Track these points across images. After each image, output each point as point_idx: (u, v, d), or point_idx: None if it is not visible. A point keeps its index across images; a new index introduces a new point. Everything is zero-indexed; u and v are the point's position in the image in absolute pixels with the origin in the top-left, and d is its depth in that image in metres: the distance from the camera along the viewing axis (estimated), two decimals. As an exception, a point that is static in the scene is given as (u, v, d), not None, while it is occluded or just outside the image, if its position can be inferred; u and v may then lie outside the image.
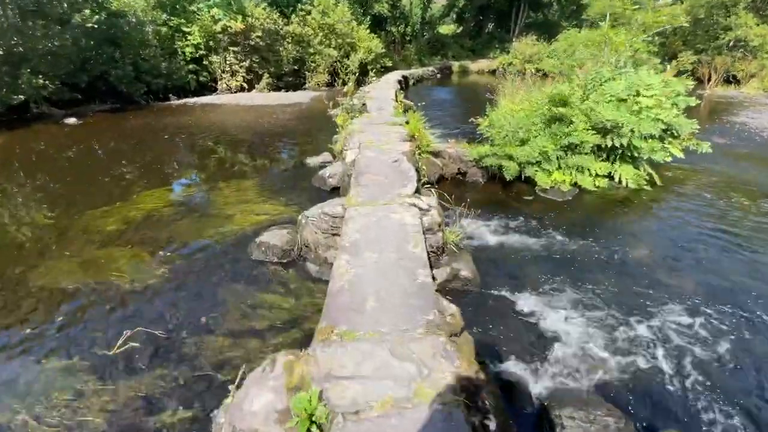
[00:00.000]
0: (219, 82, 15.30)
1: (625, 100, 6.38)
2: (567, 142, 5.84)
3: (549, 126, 6.25)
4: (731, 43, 24.10)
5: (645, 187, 6.20)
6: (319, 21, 17.02)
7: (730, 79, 22.84)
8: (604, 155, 6.33)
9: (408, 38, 26.63)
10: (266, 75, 15.45)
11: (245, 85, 15.50)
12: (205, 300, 3.23)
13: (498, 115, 6.65)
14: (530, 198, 5.88)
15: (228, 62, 14.92)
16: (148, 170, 6.59)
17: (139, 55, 13.25)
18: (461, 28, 32.53)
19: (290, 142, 8.60)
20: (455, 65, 28.12)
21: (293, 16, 16.23)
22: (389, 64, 21.08)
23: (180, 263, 3.75)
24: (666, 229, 5.11)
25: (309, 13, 16.94)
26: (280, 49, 15.85)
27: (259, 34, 14.17)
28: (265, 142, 8.55)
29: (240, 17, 13.60)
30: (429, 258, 2.79)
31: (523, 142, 6.21)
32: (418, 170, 5.46)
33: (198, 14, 14.09)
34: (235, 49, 14.64)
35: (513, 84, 8.68)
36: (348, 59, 18.47)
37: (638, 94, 6.37)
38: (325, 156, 6.95)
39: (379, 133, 6.37)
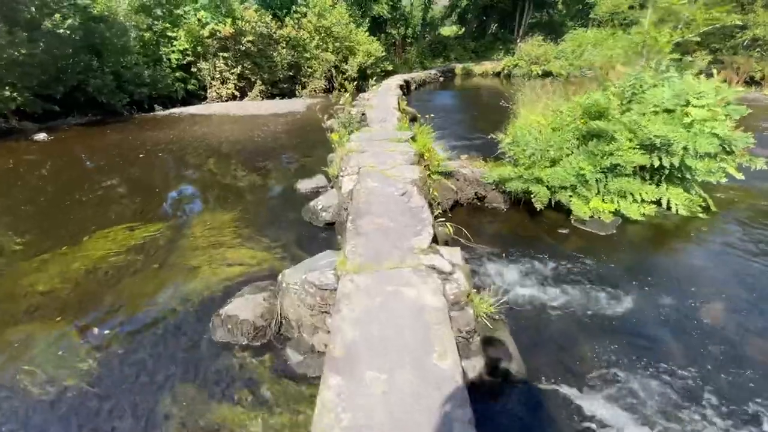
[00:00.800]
0: (209, 90, 14.42)
1: (672, 111, 5.44)
2: (609, 163, 4.89)
3: (584, 143, 5.30)
4: (746, 42, 23.19)
5: (699, 214, 5.24)
6: (315, 24, 16.17)
7: (748, 81, 21.90)
8: (647, 176, 5.39)
9: (409, 40, 25.83)
10: (259, 82, 14.57)
11: (237, 93, 14.62)
12: (139, 419, 2.28)
13: (521, 129, 5.70)
14: (565, 231, 4.92)
15: (218, 69, 14.06)
16: (109, 201, 5.66)
17: (121, 63, 12.39)
18: (463, 30, 31.72)
19: (280, 161, 7.67)
20: (458, 68, 27.26)
21: (287, 18, 15.38)
22: (390, 68, 20.22)
23: (117, 349, 2.80)
24: (738, 271, 4.14)
25: (304, 15, 16.09)
26: (274, 54, 14.99)
27: (250, 38, 13.30)
28: (252, 161, 7.62)
29: (229, 21, 12.74)
30: (464, 375, 1.83)
31: (553, 162, 5.27)
32: (431, 204, 4.51)
33: (185, 18, 13.24)
34: (225, 54, 13.78)
35: (532, 91, 7.71)
36: (346, 64, 17.61)
37: (688, 104, 5.42)
38: (319, 179, 6.02)
39: (381, 153, 5.44)
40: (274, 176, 6.76)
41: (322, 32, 16.63)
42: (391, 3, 21.63)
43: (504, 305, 3.42)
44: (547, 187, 5.08)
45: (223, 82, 14.43)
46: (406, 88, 17.60)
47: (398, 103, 10.85)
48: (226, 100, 14.61)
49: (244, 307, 2.91)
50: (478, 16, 30.33)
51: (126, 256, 4.02)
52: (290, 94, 16.60)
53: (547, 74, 24.83)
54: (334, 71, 17.58)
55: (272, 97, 15.56)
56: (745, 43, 23.60)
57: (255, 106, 13.70)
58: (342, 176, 4.82)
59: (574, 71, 25.49)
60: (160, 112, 12.96)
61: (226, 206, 5.36)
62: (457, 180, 5.81)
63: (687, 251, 4.61)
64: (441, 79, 24.71)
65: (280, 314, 2.87)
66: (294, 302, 2.76)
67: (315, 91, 17.11)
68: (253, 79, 14.75)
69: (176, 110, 13.11)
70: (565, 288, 3.72)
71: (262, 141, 9.07)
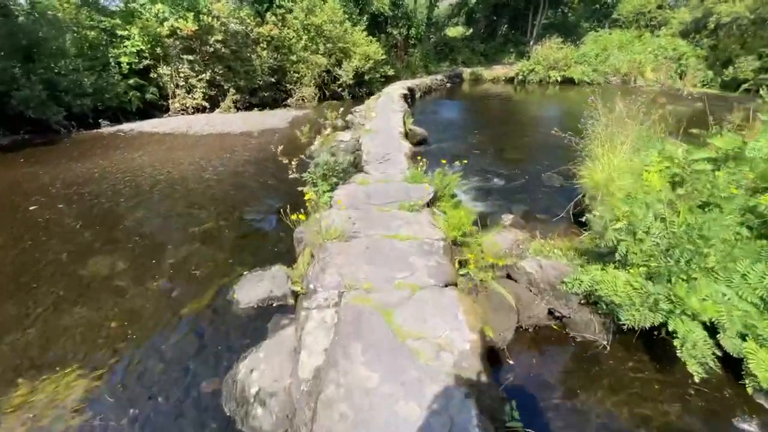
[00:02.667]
0: (171, 101, 12.03)
1: None
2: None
3: (763, 235, 2.93)
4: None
5: None
6: (303, 21, 13.84)
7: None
8: None
9: (412, 42, 23.54)
10: (232, 91, 12.20)
11: (206, 103, 12.24)
12: None
13: (634, 201, 3.30)
14: (749, 417, 2.53)
15: (182, 75, 11.68)
16: None
17: (54, 69, 10.01)
18: (471, 30, 29.49)
19: (227, 225, 5.26)
20: (466, 72, 24.98)
21: (268, 14, 13.03)
22: (391, 72, 17.90)
23: None
24: None
25: (290, 11, 13.76)
26: (252, 56, 12.64)
27: (220, 37, 10.94)
28: (183, 227, 5.18)
29: (191, 16, 10.38)
30: None
31: (709, 271, 2.89)
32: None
33: (141, 13, 10.88)
34: (191, 57, 11.41)
35: (612, 114, 5.32)
36: (340, 68, 15.26)
37: None
38: (276, 280, 3.58)
39: (382, 246, 3.06)
40: (199, 265, 4.28)
41: (312, 31, 14.30)
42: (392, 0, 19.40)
43: None
44: (701, 321, 2.70)
45: (189, 90, 12.05)
46: (410, 97, 15.27)
47: (404, 123, 8.49)
48: (193, 112, 12.23)
49: None
50: (488, 16, 28.10)
51: None
52: (274, 104, 14.23)
53: (566, 81, 22.61)
54: (326, 77, 15.24)
55: (250, 107, 13.18)
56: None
57: (226, 120, 11.32)
58: (306, 314, 2.42)
59: (598, 78, 23.26)
60: (107, 129, 10.57)
61: (87, 359, 2.93)
62: (516, 281, 3.45)
63: None
64: (448, 85, 22.42)
65: None
66: None
67: (303, 100, 14.75)
68: (226, 87, 12.37)
69: (127, 126, 10.71)
70: None
71: (216, 182, 6.66)
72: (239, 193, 6.22)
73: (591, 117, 5.44)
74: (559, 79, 22.36)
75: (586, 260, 3.48)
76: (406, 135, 8.10)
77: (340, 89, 15.90)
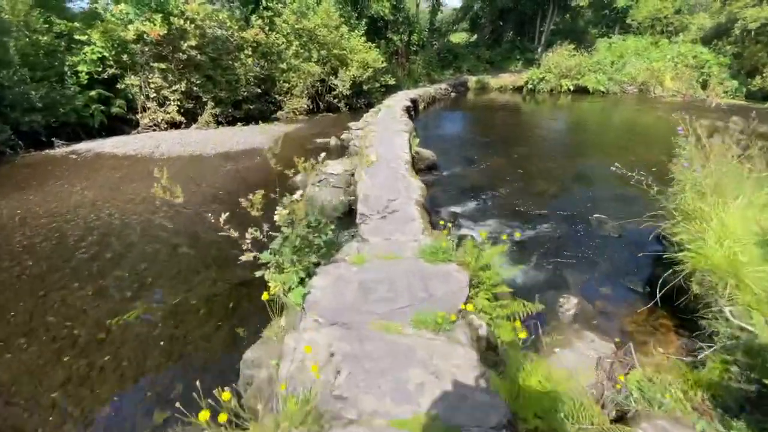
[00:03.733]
0: (141, 115, 10.57)
1: None
2: None
3: None
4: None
5: None
6: (294, 25, 12.46)
7: None
8: None
9: (414, 48, 22.25)
10: (211, 104, 10.76)
11: (181, 118, 10.78)
12: None
13: None
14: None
15: (152, 85, 10.24)
16: None
17: (-5, 80, 8.58)
18: (476, 36, 28.26)
19: (185, 290, 3.77)
20: (472, 81, 23.67)
21: (253, 17, 11.64)
22: (392, 82, 16.52)
23: None
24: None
25: (278, 14, 12.38)
26: (235, 64, 11.22)
27: (193, 42, 9.51)
28: (120, 303, 3.70)
29: (158, 18, 8.96)
30: None
31: None
32: None
33: (102, 15, 9.47)
34: (162, 65, 9.97)
35: (705, 147, 3.82)
36: (336, 78, 13.86)
37: None
38: (255, 365, 2.04)
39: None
40: (145, 372, 2.81)
41: (304, 36, 12.92)
42: (393, 2, 18.07)
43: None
44: None
45: (162, 103, 10.60)
46: (413, 109, 13.86)
47: (410, 147, 7.03)
48: (167, 128, 10.78)
49: None
50: (493, 21, 26.88)
51: None
52: (261, 118, 12.81)
53: (579, 90, 21.29)
54: (320, 87, 13.83)
55: (234, 122, 11.74)
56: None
57: (202, 138, 9.85)
58: None
59: (614, 87, 21.92)
60: (61, 149, 9.09)
61: None
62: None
63: None
64: (453, 94, 21.08)
65: None
66: None
67: (295, 112, 13.34)
68: (204, 99, 10.93)
69: (84, 146, 9.23)
70: None
71: (167, 236, 5.15)
72: (193, 255, 4.71)
73: (679, 149, 3.94)
74: (571, 88, 21.03)
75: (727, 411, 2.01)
76: (413, 163, 6.64)
77: (335, 100, 14.50)
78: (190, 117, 11.24)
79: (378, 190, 4.45)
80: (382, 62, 15.48)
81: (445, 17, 27.31)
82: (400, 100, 13.73)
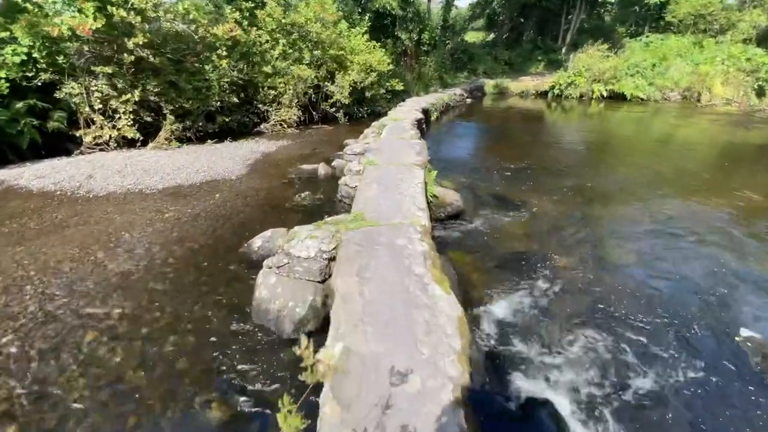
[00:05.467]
0: (85, 131, 8.53)
1: None
2: None
3: None
4: None
5: None
6: (280, 19, 10.37)
7: None
8: None
9: (424, 48, 20.08)
10: (171, 118, 8.69)
11: (136, 134, 8.71)
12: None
13: None
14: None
15: (96, 94, 8.19)
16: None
17: None
18: (493, 35, 26.03)
19: None
20: (489, 84, 21.48)
21: (228, 9, 9.54)
22: (399, 87, 14.37)
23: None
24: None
25: (261, 5, 10.29)
26: (206, 67, 9.14)
27: (140, 40, 7.42)
28: None
29: (90, 7, 6.89)
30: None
31: None
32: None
33: (26, 6, 7.42)
34: (108, 69, 7.91)
35: None
36: (332, 83, 11.75)
37: None
38: None
39: None
40: None
41: (294, 34, 10.82)
42: (402, -5, 15.98)
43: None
44: None
45: (111, 116, 8.55)
46: (425, 121, 11.71)
47: (425, 193, 4.85)
48: (117, 147, 8.73)
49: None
50: (512, 18, 24.62)
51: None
52: (243, 131, 10.77)
53: (613, 96, 18.94)
54: (313, 94, 11.73)
55: (204, 138, 9.68)
56: None
57: (153, 163, 7.77)
58: None
59: (655, 93, 19.52)
60: (-33, 179, 7.05)
61: None
62: None
63: None
64: (468, 100, 18.90)
65: None
66: None
67: (283, 124, 11.26)
68: (166, 111, 8.86)
69: (-3, 174, 7.19)
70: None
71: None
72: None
73: None
74: (604, 94, 18.72)
75: None
76: (431, 208, 4.46)
77: (332, 109, 12.39)
78: (152, 132, 9.19)
79: (372, 339, 2.25)
80: (389, 64, 13.34)
81: (460, 14, 25.12)
82: (408, 110, 11.58)
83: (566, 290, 4.04)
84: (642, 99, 17.99)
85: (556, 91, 19.53)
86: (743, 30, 19.65)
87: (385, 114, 12.37)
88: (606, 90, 18.45)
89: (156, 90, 8.60)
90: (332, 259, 3.28)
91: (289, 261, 3.31)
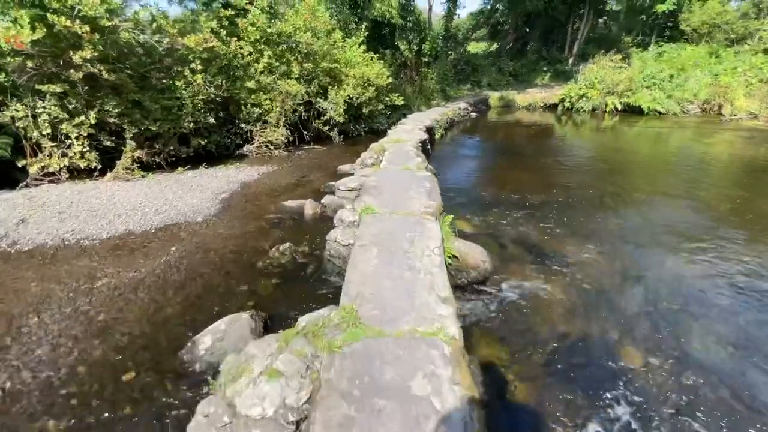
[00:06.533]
0: (30, 161, 7.26)
1: None
2: None
3: None
4: None
5: None
6: (265, 29, 9.21)
7: None
8: None
9: (425, 59, 19.04)
10: (132, 143, 7.46)
11: (91, 162, 7.46)
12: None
13: None
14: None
15: (43, 117, 6.95)
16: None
17: None
18: (496, 45, 25.10)
19: None
20: (494, 97, 20.42)
21: (202, 17, 8.37)
22: (400, 101, 13.22)
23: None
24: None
25: (243, 13, 9.14)
26: (177, 83, 7.94)
27: (89, 54, 6.20)
28: None
29: (25, 16, 5.69)
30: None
31: None
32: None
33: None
34: (58, 88, 6.68)
35: None
36: (325, 99, 10.58)
37: None
38: None
39: None
40: None
41: (281, 45, 9.67)
42: (401, 2, 14.90)
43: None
44: None
45: (62, 143, 7.30)
46: (429, 141, 10.52)
47: (445, 266, 3.56)
48: (70, 178, 7.47)
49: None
50: (517, 28, 23.69)
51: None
52: (224, 154, 9.56)
53: (627, 110, 17.86)
54: (303, 112, 10.54)
55: (175, 164, 8.45)
56: None
57: (105, 200, 6.50)
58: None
59: (674, 107, 18.45)
60: None
61: None
62: None
63: None
64: (473, 114, 17.80)
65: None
66: None
67: (269, 146, 10.04)
68: (129, 135, 7.61)
69: None
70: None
71: None
72: None
73: None
74: (619, 107, 17.64)
75: None
76: (449, 271, 3.18)
77: (326, 128, 11.19)
78: (117, 157, 7.92)
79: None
80: (388, 77, 12.19)
81: (462, 23, 24.21)
82: (411, 129, 10.40)
83: (657, 415, 2.75)
84: (660, 113, 16.90)
85: (567, 104, 18.45)
86: (765, 39, 18.69)
87: (385, 132, 11.20)
88: (620, 103, 17.37)
89: (116, 111, 7.36)
90: (303, 420, 1.98)
91: (233, 422, 2.00)
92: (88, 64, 6.38)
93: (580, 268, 4.76)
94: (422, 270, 3.16)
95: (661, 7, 24.23)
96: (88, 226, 5.58)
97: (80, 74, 6.44)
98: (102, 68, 6.59)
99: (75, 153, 7.29)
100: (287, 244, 5.01)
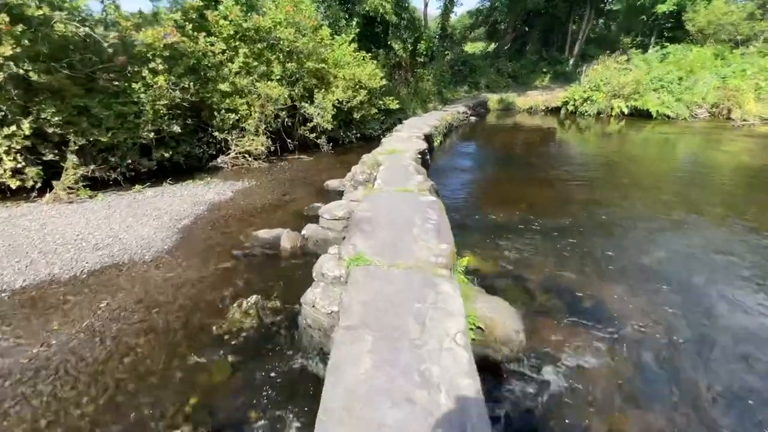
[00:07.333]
0: (-49, 178, 6.01)
1: None
2: None
3: None
4: None
5: None
6: (240, 22, 8.06)
7: None
8: None
9: (421, 59, 17.98)
10: (74, 159, 6.26)
11: (28, 181, 6.23)
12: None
13: None
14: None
15: (-37, 127, 5.71)
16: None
17: None
18: (494, 45, 24.16)
19: None
20: (492, 99, 19.45)
21: (161, 8, 7.19)
22: (395, 105, 12.14)
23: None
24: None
25: (213, 4, 7.98)
26: (134, 86, 6.75)
27: (9, 50, 4.99)
28: None
29: None
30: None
31: None
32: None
33: None
34: (-23, 92, 5.45)
35: None
36: (311, 104, 9.45)
37: None
38: None
39: None
40: None
41: (260, 42, 8.52)
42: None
43: None
44: None
45: (-9, 156, 6.07)
46: (429, 150, 9.45)
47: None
48: (1, 199, 6.24)
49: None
50: (516, 28, 22.76)
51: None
52: (195, 166, 8.39)
53: (634, 113, 17.00)
54: (286, 118, 9.39)
55: (135, 180, 7.24)
56: None
57: (36, 231, 5.30)
58: None
59: (683, 110, 17.62)
60: None
61: None
62: None
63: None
64: (472, 118, 16.80)
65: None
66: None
67: (247, 157, 8.88)
68: (73, 147, 6.39)
69: None
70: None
71: None
72: None
73: None
74: (625, 110, 16.76)
75: None
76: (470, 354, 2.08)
77: (313, 135, 10.04)
78: (59, 174, 6.69)
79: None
80: (381, 79, 11.10)
81: (459, 22, 23.22)
82: (408, 137, 9.31)
83: None
84: (668, 117, 16.05)
85: (570, 108, 17.54)
86: (772, 40, 18.02)
87: (378, 139, 10.10)
88: (627, 107, 16.49)
89: (57, 119, 6.14)
90: None
91: None
92: (11, 63, 5.16)
93: (627, 327, 3.69)
94: (443, 384, 2.04)
95: (661, 8, 23.55)
96: (3, 267, 4.37)
97: (0, 75, 5.22)
98: (30, 68, 5.37)
99: (4, 170, 6.06)
100: (254, 297, 3.87)
